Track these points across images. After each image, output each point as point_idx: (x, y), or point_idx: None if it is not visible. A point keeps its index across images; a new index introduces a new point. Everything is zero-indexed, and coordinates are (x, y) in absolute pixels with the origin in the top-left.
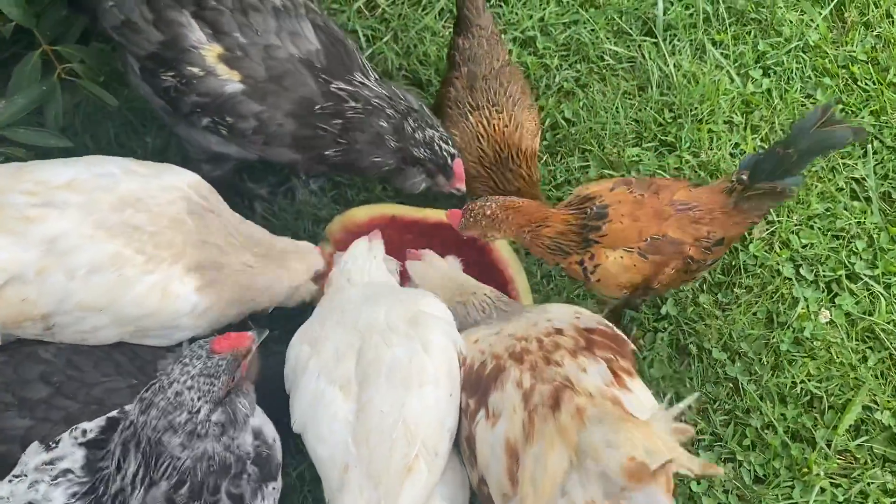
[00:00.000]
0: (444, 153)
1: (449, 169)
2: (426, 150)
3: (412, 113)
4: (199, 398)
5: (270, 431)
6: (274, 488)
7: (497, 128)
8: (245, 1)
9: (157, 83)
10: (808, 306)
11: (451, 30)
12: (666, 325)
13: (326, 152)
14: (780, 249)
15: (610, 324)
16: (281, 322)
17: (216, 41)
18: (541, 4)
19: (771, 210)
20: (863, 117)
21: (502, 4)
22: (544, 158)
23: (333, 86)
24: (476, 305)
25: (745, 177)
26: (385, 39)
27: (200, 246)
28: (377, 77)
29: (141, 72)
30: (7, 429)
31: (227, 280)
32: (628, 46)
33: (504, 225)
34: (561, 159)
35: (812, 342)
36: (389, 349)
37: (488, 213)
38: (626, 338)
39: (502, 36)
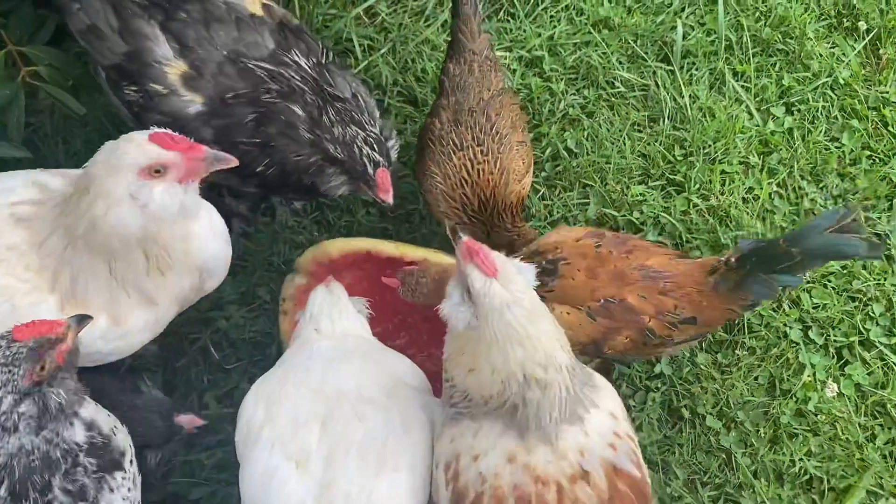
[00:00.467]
0: (364, 158)
1: (369, 178)
2: (342, 151)
3: (337, 102)
4: None
5: (106, 421)
6: (124, 478)
7: (482, 173)
8: (212, 12)
9: (122, 95)
10: (814, 375)
11: None
12: (659, 385)
13: (258, 168)
14: (789, 309)
15: (641, 461)
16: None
17: (182, 57)
18: (551, 22)
19: (760, 305)
20: (891, 167)
21: (510, 19)
22: (541, 192)
23: (253, 63)
24: (551, 400)
25: (733, 259)
26: (382, 51)
27: (53, 276)
28: (319, 60)
29: (107, 81)
30: None
31: (94, 290)
32: (642, 73)
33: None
34: (559, 193)
35: (816, 416)
36: (362, 424)
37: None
38: (650, 493)
39: (499, 62)
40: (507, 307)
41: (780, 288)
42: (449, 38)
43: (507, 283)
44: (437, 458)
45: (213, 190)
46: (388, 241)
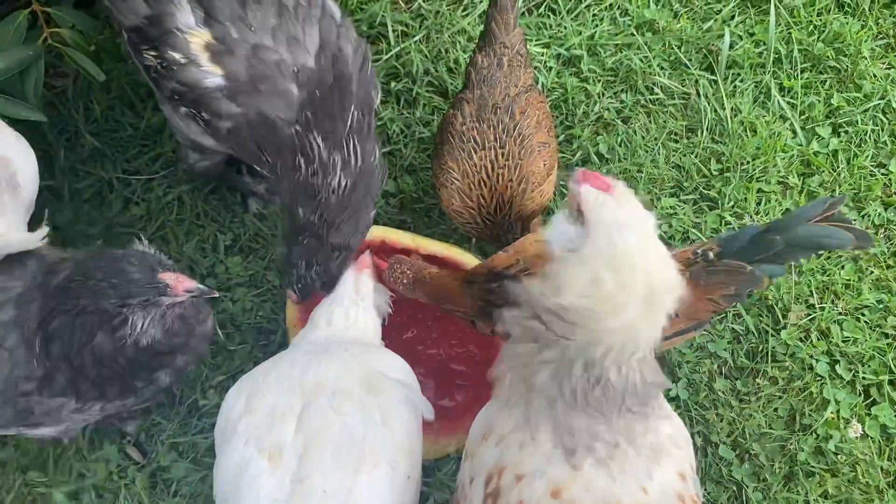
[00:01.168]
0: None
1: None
2: (302, 266)
3: (310, 229)
4: None
5: None
6: None
7: (501, 178)
8: None
9: (141, 59)
10: (838, 412)
11: None
12: (673, 408)
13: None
14: (817, 340)
15: None
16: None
17: (206, 27)
18: (593, 21)
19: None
20: None
21: (550, 14)
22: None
23: (298, 128)
24: (598, 371)
25: (711, 253)
26: (416, 38)
27: None
28: (346, 134)
29: (128, 42)
30: None
31: None
32: (683, 81)
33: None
34: None
35: (836, 455)
36: (339, 418)
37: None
38: None
39: (530, 58)
40: (619, 227)
41: (767, 279)
42: (482, 28)
43: (623, 205)
44: (478, 465)
45: (231, 166)
46: (405, 232)
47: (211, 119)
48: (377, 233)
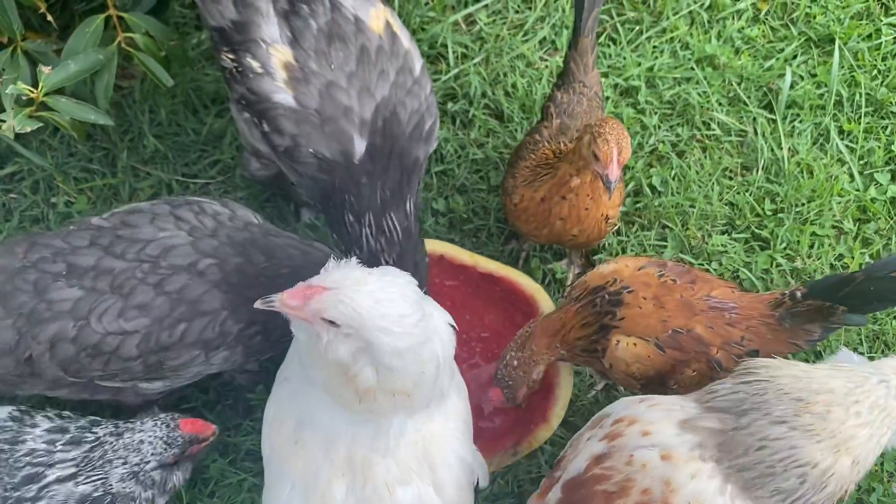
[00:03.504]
0: None
1: None
2: None
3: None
4: (151, 454)
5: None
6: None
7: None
8: (337, 29)
9: (218, 58)
10: (882, 464)
11: (546, 63)
12: None
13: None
14: None
15: None
16: None
17: (290, 47)
18: (653, 53)
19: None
20: None
21: (610, 44)
22: (617, 227)
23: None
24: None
25: (799, 293)
26: (475, 61)
27: None
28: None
29: (210, 37)
30: (56, 301)
31: None
32: (741, 118)
33: (535, 358)
34: (636, 231)
35: None
36: (392, 497)
37: (514, 364)
38: None
39: (603, 102)
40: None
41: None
42: (561, 68)
43: None
44: (623, 405)
45: (284, 179)
46: (464, 249)
47: (270, 132)
48: (437, 248)
